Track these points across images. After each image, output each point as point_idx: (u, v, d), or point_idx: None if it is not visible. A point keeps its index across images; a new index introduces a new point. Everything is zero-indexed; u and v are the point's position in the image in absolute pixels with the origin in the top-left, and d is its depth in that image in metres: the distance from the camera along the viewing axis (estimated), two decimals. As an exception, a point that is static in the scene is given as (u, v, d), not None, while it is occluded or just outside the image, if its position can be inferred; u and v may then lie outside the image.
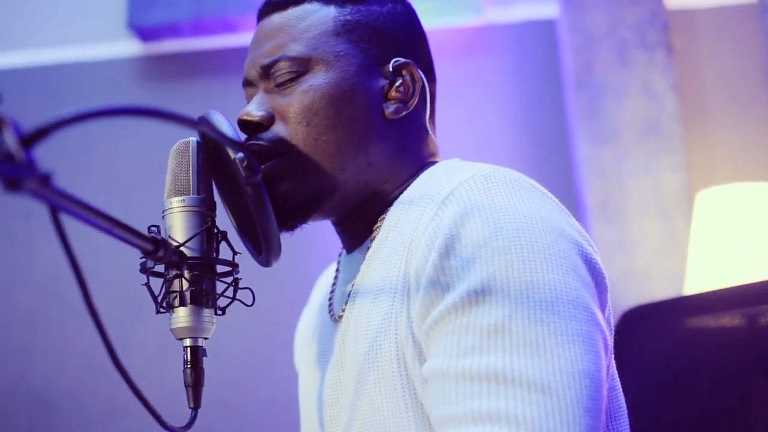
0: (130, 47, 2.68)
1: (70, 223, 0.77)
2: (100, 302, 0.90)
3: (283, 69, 1.08)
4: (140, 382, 0.89)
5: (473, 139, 2.54)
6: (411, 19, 1.16)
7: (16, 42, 2.70)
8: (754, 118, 2.55)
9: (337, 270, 1.24)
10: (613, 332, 1.03)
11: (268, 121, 1.08)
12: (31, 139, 0.64)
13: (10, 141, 0.63)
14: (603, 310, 0.97)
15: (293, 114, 1.06)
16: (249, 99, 1.14)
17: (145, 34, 2.62)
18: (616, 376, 1.06)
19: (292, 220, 1.09)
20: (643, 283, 2.37)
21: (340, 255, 1.24)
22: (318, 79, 1.07)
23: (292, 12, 1.11)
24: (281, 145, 1.06)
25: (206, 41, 2.67)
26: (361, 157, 1.07)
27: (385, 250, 1.04)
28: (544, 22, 2.62)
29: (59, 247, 2.46)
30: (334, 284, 1.23)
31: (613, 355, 1.02)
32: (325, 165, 1.06)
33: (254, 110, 1.08)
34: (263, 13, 1.15)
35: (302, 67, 1.07)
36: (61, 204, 0.70)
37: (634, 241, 2.40)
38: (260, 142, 1.07)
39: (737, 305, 1.53)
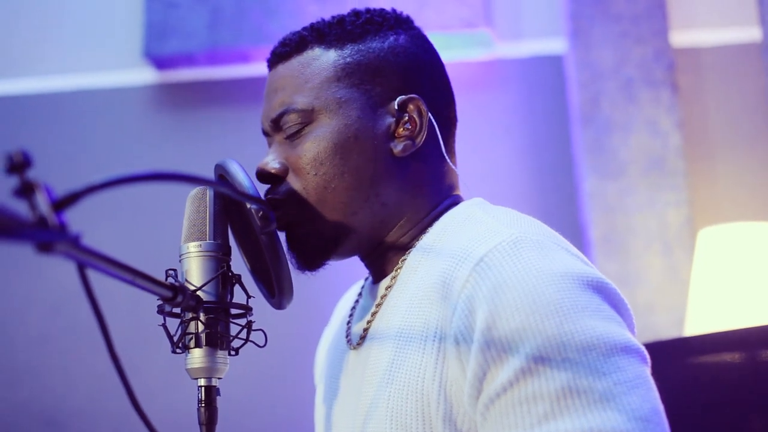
0: (146, 75, 2.71)
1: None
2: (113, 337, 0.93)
3: (290, 122, 1.10)
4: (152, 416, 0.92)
5: (480, 172, 2.56)
6: (415, 50, 1.14)
7: (34, 68, 2.74)
8: (757, 157, 2.56)
9: (360, 294, 1.25)
10: None
11: (283, 173, 1.10)
12: (62, 204, 0.67)
13: (43, 205, 0.65)
14: None
15: (302, 166, 1.09)
16: (269, 146, 1.16)
17: (160, 62, 2.66)
18: None
19: (312, 260, 1.12)
20: (645, 316, 2.38)
21: (366, 279, 1.25)
22: (322, 129, 1.08)
23: (296, 61, 1.12)
24: (294, 197, 1.09)
25: (220, 71, 2.71)
26: (373, 198, 1.09)
27: (407, 295, 1.05)
28: (552, 57, 2.65)
29: (70, 270, 2.49)
30: (353, 308, 1.25)
31: None
32: (338, 211, 1.08)
33: (270, 162, 1.11)
34: (270, 64, 1.16)
35: (307, 118, 1.09)
36: (88, 261, 0.72)
37: (636, 275, 2.42)
38: (276, 196, 1.10)
39: (739, 347, 1.56)
